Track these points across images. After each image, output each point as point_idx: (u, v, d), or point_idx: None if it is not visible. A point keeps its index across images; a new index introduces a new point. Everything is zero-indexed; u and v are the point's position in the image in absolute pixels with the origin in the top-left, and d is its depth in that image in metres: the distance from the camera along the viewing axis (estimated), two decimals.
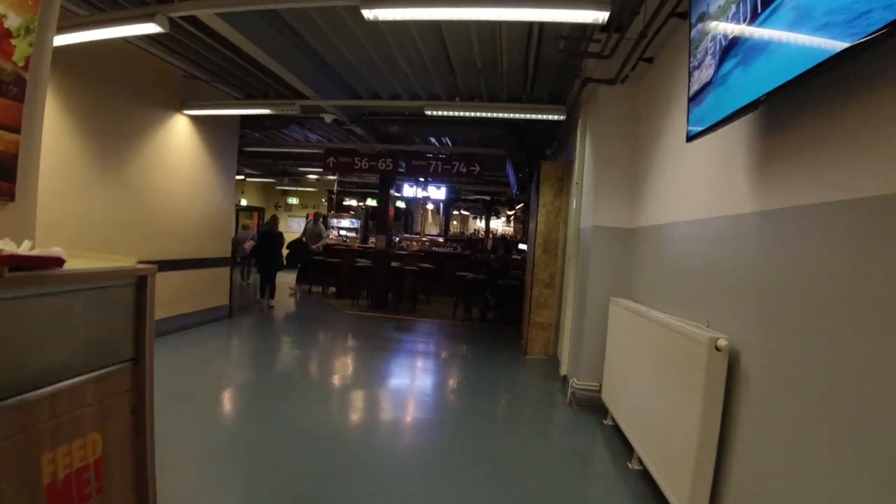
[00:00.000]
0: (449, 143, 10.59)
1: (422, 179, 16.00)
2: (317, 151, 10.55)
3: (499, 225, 22.72)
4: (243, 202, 20.27)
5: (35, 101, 2.55)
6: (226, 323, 8.42)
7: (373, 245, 13.60)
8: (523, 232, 19.61)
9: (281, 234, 11.10)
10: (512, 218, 21.02)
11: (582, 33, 5.28)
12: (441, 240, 17.66)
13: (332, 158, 9.54)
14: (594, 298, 5.22)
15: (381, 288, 11.05)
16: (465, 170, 8.89)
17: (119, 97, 6.19)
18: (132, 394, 2.23)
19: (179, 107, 7.15)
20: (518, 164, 7.20)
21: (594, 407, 5.20)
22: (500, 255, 11.06)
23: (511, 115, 6.29)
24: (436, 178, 9.82)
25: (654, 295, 4.29)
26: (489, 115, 6.29)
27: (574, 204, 6.11)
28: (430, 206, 18.06)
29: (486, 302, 10.35)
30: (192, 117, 7.42)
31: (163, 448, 2.61)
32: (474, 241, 18.69)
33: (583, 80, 5.38)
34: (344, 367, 6.69)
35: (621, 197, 5.20)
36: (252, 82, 7.32)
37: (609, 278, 5.19)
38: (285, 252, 12.90)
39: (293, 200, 21.63)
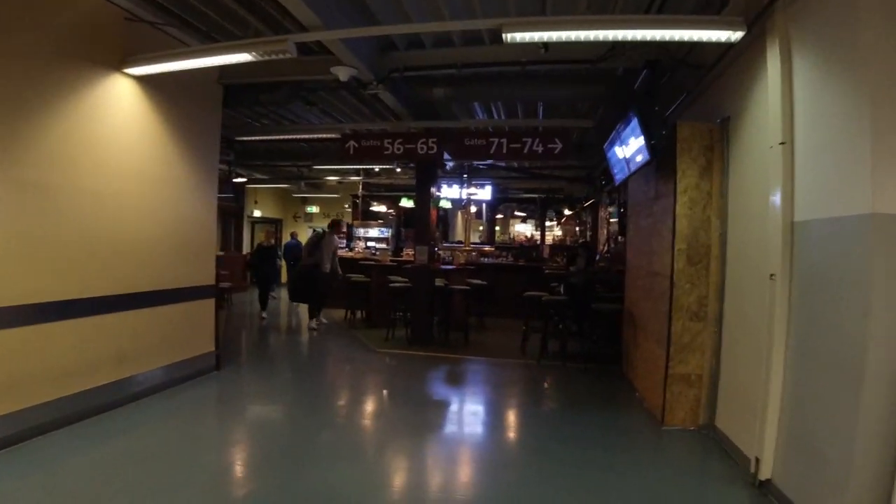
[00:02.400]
0: (503, 115, 8.10)
1: (465, 175, 13.56)
2: (334, 136, 8.18)
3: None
4: (257, 213, 18.17)
5: None
6: (209, 380, 6.05)
7: (409, 258, 11.21)
8: (584, 236, 16.87)
9: (273, 248, 12.35)
10: (562, 221, 18.23)
11: None
12: (488, 248, 15.14)
13: (352, 143, 7.13)
14: (876, 360, 2.67)
15: (423, 315, 8.59)
16: (541, 149, 6.38)
17: (8, 46, 3.89)
18: None
19: (119, 64, 4.82)
20: (648, 122, 4.64)
21: None
22: (581, 268, 8.48)
23: (651, 34, 3.76)
24: (499, 160, 7.28)
25: None
26: (613, 33, 3.77)
27: (778, 184, 3.55)
28: (472, 209, 15.58)
29: (566, 331, 7.79)
30: (142, 81, 5.09)
31: None
32: (527, 249, 16.09)
33: None
34: (367, 470, 4.23)
35: None
36: (220, 19, 5.02)
37: None
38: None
39: (313, 209, 19.40)
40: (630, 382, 6.39)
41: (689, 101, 5.57)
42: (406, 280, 9.18)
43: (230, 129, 8.48)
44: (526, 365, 7.33)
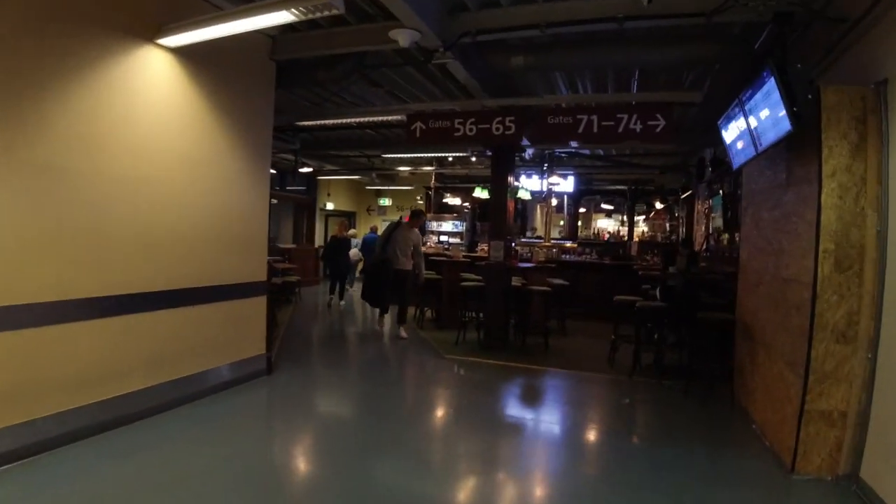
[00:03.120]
0: (589, 90, 7.13)
1: (546, 165, 12.64)
2: (400, 118, 7.52)
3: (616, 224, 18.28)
4: (330, 206, 18.00)
5: None
6: (257, 387, 5.58)
7: (483, 254, 10.48)
8: (677, 233, 15.46)
9: (346, 240, 12.49)
10: (651, 215, 16.71)
11: None
12: (570, 244, 14.13)
13: (419, 124, 6.47)
14: None
15: (498, 317, 7.85)
16: (639, 127, 5.47)
17: (21, 16, 3.50)
18: None
19: (153, 34, 4.36)
20: (789, 81, 3.64)
21: None
22: (681, 269, 7.43)
23: None
24: (589, 142, 6.33)
25: None
26: None
27: None
28: (553, 202, 14.59)
29: (662, 342, 6.81)
30: (181, 55, 4.63)
31: None
32: (613, 246, 14.96)
33: None
34: None
35: None
36: None
37: None
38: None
39: (385, 201, 19.03)
40: (744, 410, 5.36)
41: (829, 62, 4.50)
42: (480, 278, 8.48)
43: (290, 115, 8.04)
44: (615, 381, 6.41)
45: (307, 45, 5.59)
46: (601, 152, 12.22)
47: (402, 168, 14.82)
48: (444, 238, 15.96)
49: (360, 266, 14.64)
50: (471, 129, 6.15)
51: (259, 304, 5.79)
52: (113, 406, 4.17)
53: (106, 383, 4.15)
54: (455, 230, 16.78)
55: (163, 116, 4.58)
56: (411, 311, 9.49)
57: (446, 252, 11.89)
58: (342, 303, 11.99)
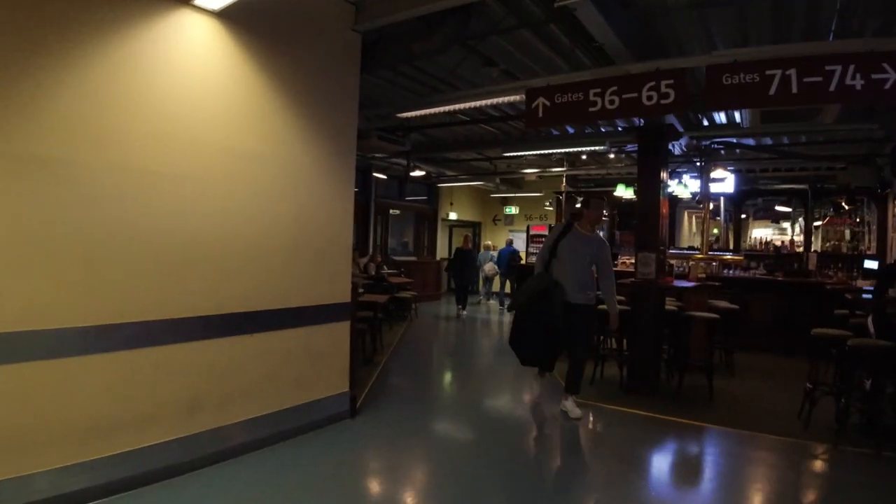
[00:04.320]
0: (766, 40, 5.31)
1: (699, 162, 10.62)
2: (519, 101, 6.13)
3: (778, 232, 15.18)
4: (453, 216, 17.05)
5: None
6: (335, 434, 4.49)
7: (624, 268, 8.88)
8: (860, 241, 12.53)
9: (470, 252, 12.93)
10: (826, 220, 13.68)
11: None
12: (730, 257, 11.83)
13: (542, 100, 5.07)
14: None
15: (647, 351, 6.22)
16: (860, 82, 3.72)
17: None
18: None
19: None
20: None
21: None
22: None
23: None
24: (784, 104, 4.34)
25: None
26: None
27: None
28: (710, 206, 12.41)
29: (878, 392, 4.88)
30: (229, 21, 3.72)
31: None
32: (786, 258, 12.43)
33: None
34: None
35: None
36: None
37: None
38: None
39: (512, 210, 17.67)
40: None
41: None
42: (623, 299, 6.90)
43: (390, 107, 7.04)
44: (813, 449, 4.56)
45: (396, 4, 4.48)
46: (769, 141, 9.99)
47: (528, 171, 13.41)
48: None
49: (495, 281, 14.51)
50: (611, 101, 4.62)
51: (339, 330, 4.73)
52: (131, 461, 3.27)
53: (124, 433, 3.26)
54: None
55: (205, 100, 3.68)
56: None
57: None
58: (464, 312, 12.41)
